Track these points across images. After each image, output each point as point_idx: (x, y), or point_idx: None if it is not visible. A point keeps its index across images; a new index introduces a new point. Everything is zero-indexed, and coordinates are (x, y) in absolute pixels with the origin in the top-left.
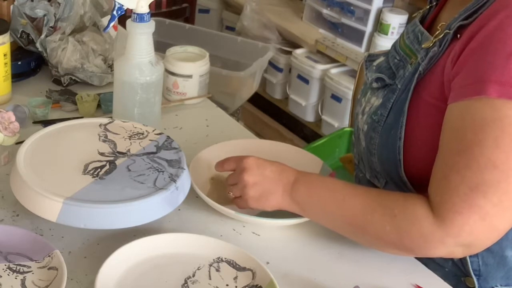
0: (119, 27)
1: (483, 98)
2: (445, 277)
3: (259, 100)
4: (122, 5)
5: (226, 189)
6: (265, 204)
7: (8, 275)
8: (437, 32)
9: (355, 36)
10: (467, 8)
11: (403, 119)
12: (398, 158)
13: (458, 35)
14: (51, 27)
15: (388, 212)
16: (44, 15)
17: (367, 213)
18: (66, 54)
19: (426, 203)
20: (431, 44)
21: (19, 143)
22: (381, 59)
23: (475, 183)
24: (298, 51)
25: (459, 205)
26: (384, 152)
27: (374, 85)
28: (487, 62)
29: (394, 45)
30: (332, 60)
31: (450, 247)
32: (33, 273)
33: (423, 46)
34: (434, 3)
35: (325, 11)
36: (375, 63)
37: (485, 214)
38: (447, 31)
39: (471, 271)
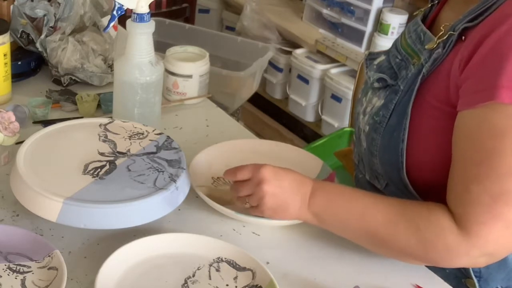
0: (119, 27)
1: (496, 104)
2: (445, 279)
3: (259, 100)
4: (122, 5)
5: (228, 189)
6: (282, 215)
7: (8, 275)
8: (441, 32)
9: (355, 36)
10: (472, 10)
11: (406, 121)
12: (401, 161)
13: (463, 37)
14: (51, 27)
15: (412, 225)
16: (44, 15)
17: (389, 226)
18: (66, 54)
19: (449, 215)
20: (435, 45)
21: (19, 143)
22: (382, 58)
23: (497, 193)
24: (298, 51)
25: (483, 216)
26: (386, 154)
27: (376, 85)
28: (498, 67)
29: (395, 44)
30: (332, 60)
31: (475, 258)
32: (33, 273)
33: (426, 47)
34: (436, 2)
35: (325, 11)
36: (375, 62)
37: (509, 222)
38: (451, 32)
39: (471, 272)
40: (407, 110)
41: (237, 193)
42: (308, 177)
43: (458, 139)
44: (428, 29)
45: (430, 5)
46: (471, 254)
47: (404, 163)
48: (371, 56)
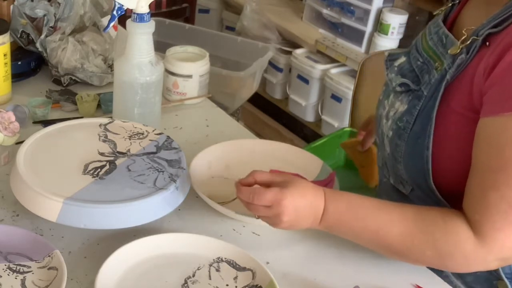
0: (119, 27)
1: None
2: (476, 281)
3: (259, 100)
4: (122, 5)
5: (230, 187)
6: (293, 229)
7: (8, 275)
8: (463, 37)
9: (355, 36)
10: (496, 15)
11: (430, 128)
12: (426, 168)
13: (487, 43)
14: (51, 27)
15: (428, 238)
16: (44, 15)
17: (405, 241)
18: (66, 54)
19: (465, 222)
20: (458, 51)
21: (19, 143)
22: (403, 59)
23: None
24: (298, 51)
25: (500, 223)
26: (410, 161)
27: (398, 89)
28: None
29: (415, 45)
30: (332, 60)
31: (489, 263)
32: (33, 273)
33: (449, 52)
34: (457, 1)
35: (325, 11)
36: (396, 64)
37: None
38: (474, 37)
39: (502, 274)
40: (431, 116)
41: (249, 209)
42: (320, 192)
43: (478, 145)
44: (449, 30)
45: (450, 4)
46: (487, 260)
47: (430, 170)
48: (391, 57)
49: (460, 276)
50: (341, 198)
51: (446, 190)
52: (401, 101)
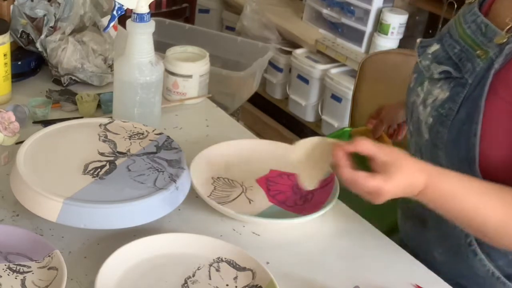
0: (119, 27)
1: None
2: (509, 265)
3: (259, 100)
4: (122, 5)
5: (318, 165)
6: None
7: (8, 275)
8: (508, 26)
9: (355, 36)
10: None
11: (478, 115)
12: (472, 155)
13: None
14: (51, 27)
15: None
16: (44, 15)
17: (501, 228)
18: (66, 54)
19: None
20: (505, 40)
21: (19, 143)
22: (436, 46)
23: None
24: (298, 51)
25: None
26: (454, 149)
27: (436, 76)
28: None
29: (448, 33)
30: (332, 60)
31: None
32: (33, 273)
33: (495, 41)
34: None
35: (325, 11)
36: (429, 51)
37: None
38: None
39: None
40: (479, 104)
41: (346, 186)
42: (424, 175)
43: None
44: (485, 17)
45: None
46: None
47: (477, 157)
48: (423, 44)
49: (493, 259)
50: (443, 179)
51: (488, 176)
52: (441, 88)
